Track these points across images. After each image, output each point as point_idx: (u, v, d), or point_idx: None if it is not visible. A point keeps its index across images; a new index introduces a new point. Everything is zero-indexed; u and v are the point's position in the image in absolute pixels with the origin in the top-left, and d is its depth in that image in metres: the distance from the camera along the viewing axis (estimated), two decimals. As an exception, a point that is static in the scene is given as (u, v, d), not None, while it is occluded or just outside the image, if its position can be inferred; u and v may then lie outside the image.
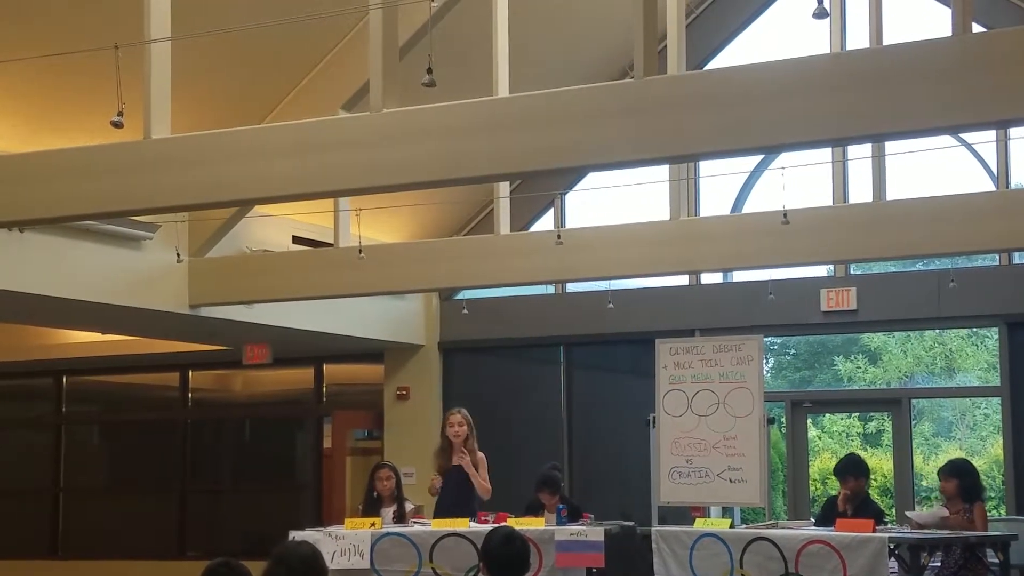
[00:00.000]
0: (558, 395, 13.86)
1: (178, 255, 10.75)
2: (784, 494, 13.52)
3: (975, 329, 13.40)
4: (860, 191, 12.01)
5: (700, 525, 9.58)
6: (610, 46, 12.42)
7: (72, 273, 10.12)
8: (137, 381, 16.19)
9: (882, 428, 14.74)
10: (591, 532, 9.00)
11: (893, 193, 11.44)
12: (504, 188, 11.36)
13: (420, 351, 14.18)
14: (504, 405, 13.90)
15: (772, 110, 6.11)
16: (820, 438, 14.87)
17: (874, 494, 12.21)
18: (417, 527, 9.19)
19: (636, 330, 12.99)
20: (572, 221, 13.47)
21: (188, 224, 10.86)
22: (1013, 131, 11.05)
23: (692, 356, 10.95)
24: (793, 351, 14.87)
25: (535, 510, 9.74)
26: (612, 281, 12.43)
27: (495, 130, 6.67)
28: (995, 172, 11.97)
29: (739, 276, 12.89)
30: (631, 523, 9.95)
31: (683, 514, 11.00)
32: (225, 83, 10.53)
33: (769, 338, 13.16)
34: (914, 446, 13.09)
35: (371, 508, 9.52)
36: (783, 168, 10.08)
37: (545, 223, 13.59)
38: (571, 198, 13.63)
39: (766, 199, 12.01)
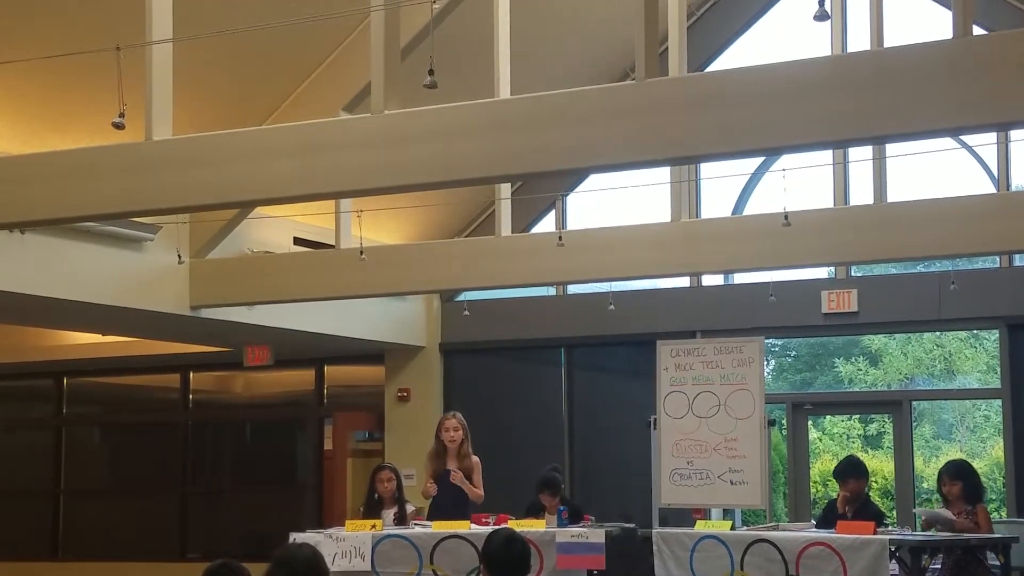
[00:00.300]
0: (559, 397, 13.86)
1: (179, 256, 10.75)
2: (785, 496, 13.52)
3: (975, 331, 13.40)
4: (861, 193, 12.02)
5: (701, 527, 9.58)
6: (611, 48, 12.43)
7: (73, 274, 10.12)
8: (138, 382, 16.19)
9: (883, 430, 14.74)
10: (592, 534, 9.01)
11: (894, 195, 11.44)
12: (505, 189, 11.36)
13: (421, 352, 14.18)
14: (505, 406, 13.91)
15: (773, 112, 6.11)
16: (821, 440, 14.87)
17: (875, 496, 12.23)
18: (418, 529, 9.19)
19: (637, 332, 12.99)
20: (573, 223, 13.47)
21: (189, 225, 10.86)
22: (1013, 133, 11.07)
23: (693, 358, 10.94)
24: (794, 353, 14.88)
25: (536, 512, 9.74)
26: (613, 283, 12.43)
27: (496, 131, 6.67)
28: (996, 174, 11.98)
29: (740, 278, 12.89)
30: (632, 525, 9.96)
31: (684, 516, 11.00)
32: (227, 84, 10.53)
33: (770, 340, 13.16)
34: (915, 448, 13.09)
35: (372, 510, 9.52)
36: (784, 170, 10.08)
37: (546, 224, 13.60)
38: (572, 200, 13.64)
39: (767, 201, 12.01)
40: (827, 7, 8.09)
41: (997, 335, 12.33)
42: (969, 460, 10.90)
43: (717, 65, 12.77)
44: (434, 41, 7.02)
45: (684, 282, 13.14)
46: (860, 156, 11.58)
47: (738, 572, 8.97)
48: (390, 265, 11.20)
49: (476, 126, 6.72)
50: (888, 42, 11.14)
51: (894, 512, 12.49)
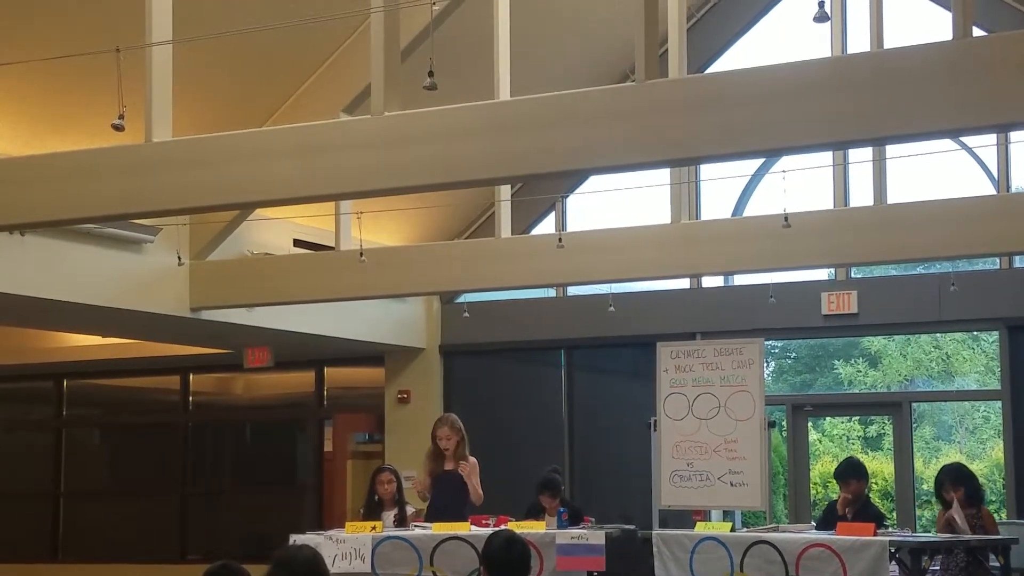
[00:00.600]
0: (559, 398, 13.86)
1: (179, 258, 10.75)
2: (785, 498, 13.52)
3: (975, 332, 13.40)
4: (861, 195, 12.02)
5: (701, 528, 9.57)
6: (611, 49, 12.43)
7: (73, 276, 10.12)
8: (138, 384, 16.18)
9: (883, 432, 14.74)
10: (592, 536, 9.00)
11: (894, 196, 11.44)
12: (505, 191, 11.36)
13: (421, 354, 14.18)
14: (505, 408, 13.91)
15: (773, 113, 6.11)
16: (821, 441, 14.87)
17: (875, 498, 12.23)
18: (418, 531, 9.19)
19: (637, 333, 12.99)
20: (573, 224, 13.47)
21: (189, 227, 10.86)
22: (1013, 135, 11.08)
23: (693, 359, 10.94)
24: (794, 354, 14.88)
25: (536, 513, 9.74)
26: (613, 284, 12.42)
27: (496, 133, 6.67)
28: (995, 176, 11.98)
29: (740, 279, 12.90)
30: (632, 527, 9.96)
31: (684, 518, 11.00)
32: (226, 86, 10.53)
33: (770, 341, 13.16)
34: (915, 450, 13.09)
35: (372, 512, 9.52)
36: (784, 171, 10.08)
37: (546, 226, 13.60)
38: (572, 201, 13.63)
39: (767, 202, 12.01)
40: (827, 8, 8.09)
41: (997, 336, 12.33)
42: (969, 461, 10.91)
43: (717, 66, 12.77)
44: (434, 42, 7.02)
45: (684, 284, 13.14)
46: (860, 157, 11.58)
47: (738, 573, 8.96)
48: (390, 267, 11.20)
49: (476, 127, 6.72)
50: (888, 43, 11.15)
51: (894, 514, 12.50)
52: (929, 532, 8.99)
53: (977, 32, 7.00)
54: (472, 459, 9.64)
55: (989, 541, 8.81)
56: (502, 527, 8.63)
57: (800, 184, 10.87)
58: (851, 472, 9.43)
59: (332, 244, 11.81)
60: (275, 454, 15.63)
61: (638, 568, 9.62)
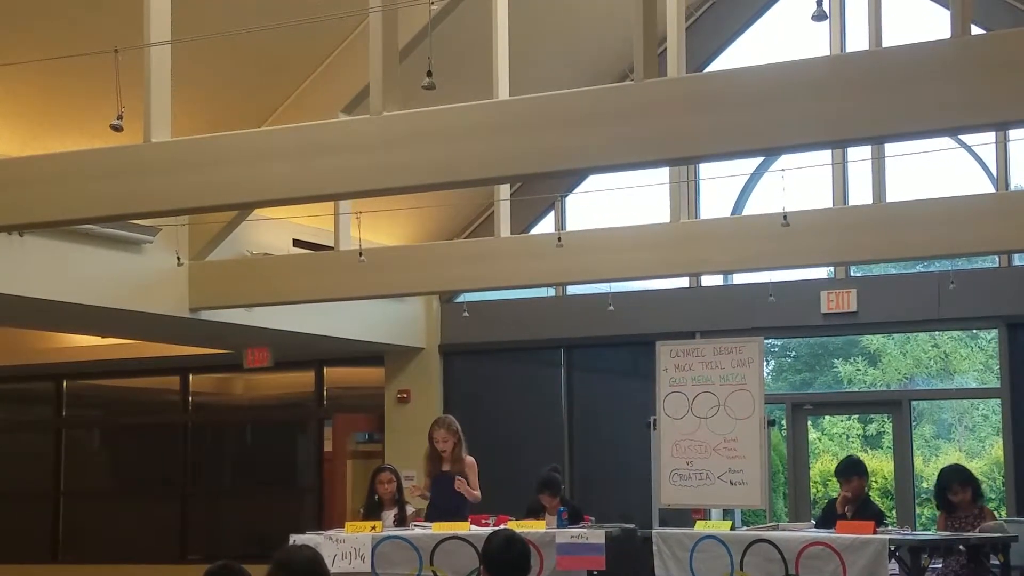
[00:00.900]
0: (559, 398, 13.86)
1: (178, 259, 10.75)
2: (785, 496, 13.53)
3: (974, 331, 13.41)
4: (860, 193, 12.02)
5: (701, 527, 9.58)
6: (610, 49, 12.42)
7: (72, 277, 10.12)
8: (137, 385, 16.18)
9: (882, 430, 14.75)
10: (592, 535, 9.01)
11: (893, 195, 11.44)
12: (504, 191, 11.36)
13: (421, 354, 14.18)
14: (505, 408, 13.90)
15: (772, 112, 6.11)
16: (820, 440, 14.88)
17: (875, 496, 12.23)
18: (418, 530, 9.20)
19: (636, 332, 12.99)
20: (572, 224, 13.46)
21: (188, 227, 10.86)
22: (1012, 133, 11.06)
23: (692, 358, 10.94)
24: (793, 353, 14.88)
25: (536, 512, 9.75)
26: (612, 283, 12.43)
27: (495, 133, 6.67)
28: (994, 174, 11.98)
29: (739, 278, 12.89)
30: (632, 525, 9.96)
31: (684, 516, 11.00)
32: (225, 86, 10.53)
33: (769, 340, 13.16)
34: (914, 448, 13.10)
35: (372, 511, 9.53)
36: (783, 170, 10.08)
37: (545, 226, 13.59)
38: (571, 201, 13.63)
39: (766, 201, 12.01)
40: (825, 7, 8.11)
41: (996, 334, 12.34)
42: (968, 460, 10.92)
43: (716, 65, 12.76)
44: (432, 42, 7.03)
45: (683, 283, 13.13)
46: (859, 156, 11.58)
47: (738, 572, 8.97)
48: (389, 267, 11.20)
49: (475, 127, 6.72)
50: (886, 42, 11.15)
51: (894, 512, 12.50)
52: (929, 530, 8.99)
53: (976, 30, 7.00)
54: (470, 459, 9.65)
55: (988, 539, 8.81)
56: (502, 526, 8.64)
57: (799, 183, 10.87)
58: (852, 470, 9.45)
59: (331, 244, 11.81)
60: (275, 454, 15.63)
61: (638, 567, 9.62)
